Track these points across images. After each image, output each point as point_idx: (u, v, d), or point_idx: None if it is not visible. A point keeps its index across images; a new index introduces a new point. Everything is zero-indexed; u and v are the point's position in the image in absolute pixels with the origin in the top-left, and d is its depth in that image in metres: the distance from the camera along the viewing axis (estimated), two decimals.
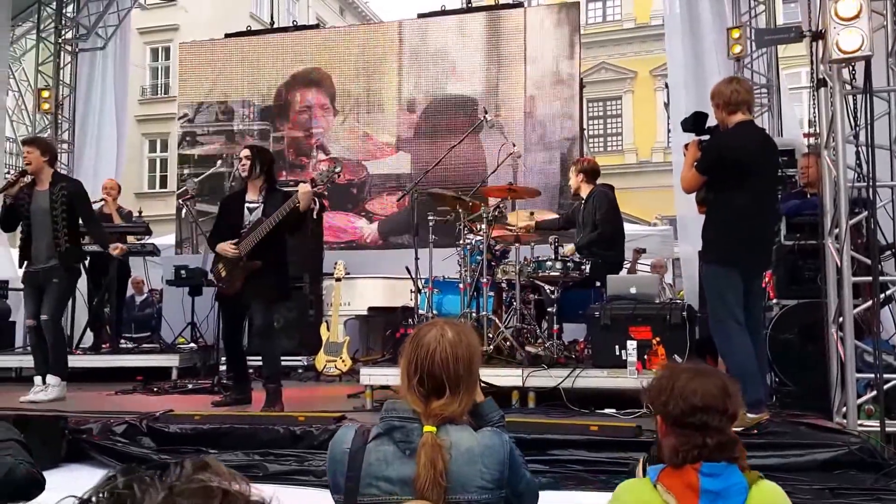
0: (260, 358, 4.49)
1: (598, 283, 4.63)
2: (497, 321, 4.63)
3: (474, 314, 4.64)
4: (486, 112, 6.03)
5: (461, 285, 4.92)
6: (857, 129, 3.68)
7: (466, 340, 1.68)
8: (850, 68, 3.73)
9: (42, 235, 4.59)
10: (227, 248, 4.31)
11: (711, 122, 3.74)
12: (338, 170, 4.53)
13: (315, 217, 6.51)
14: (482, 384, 1.89)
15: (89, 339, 6.58)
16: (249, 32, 9.29)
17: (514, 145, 6.07)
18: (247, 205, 4.42)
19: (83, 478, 3.43)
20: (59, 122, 8.17)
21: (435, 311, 4.98)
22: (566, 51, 7.95)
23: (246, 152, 4.48)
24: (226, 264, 4.36)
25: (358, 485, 1.57)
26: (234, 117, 8.93)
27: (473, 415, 1.78)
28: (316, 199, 5.58)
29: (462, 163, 7.68)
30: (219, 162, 8.91)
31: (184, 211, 8.56)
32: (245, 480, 0.61)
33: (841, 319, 3.56)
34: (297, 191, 4.24)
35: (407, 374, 1.66)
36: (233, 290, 4.34)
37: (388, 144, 8.44)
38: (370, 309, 6.54)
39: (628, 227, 6.25)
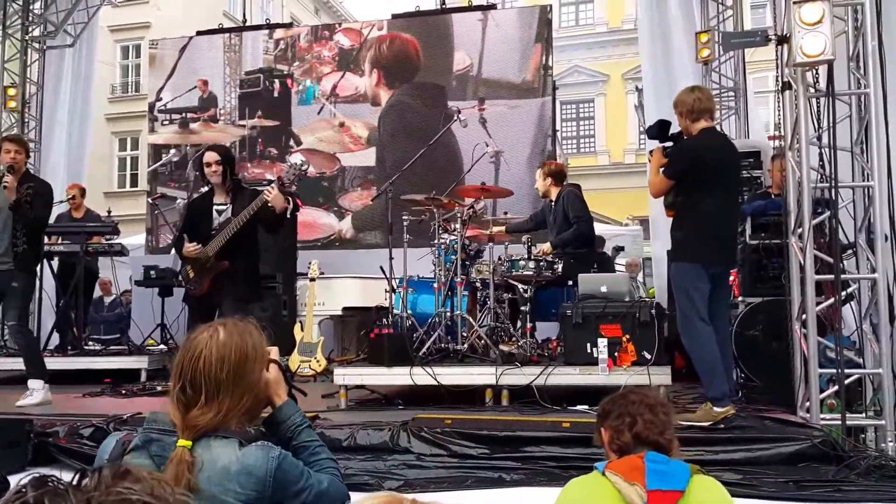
0: None
1: (570, 282, 4.69)
2: (471, 320, 4.66)
3: (449, 313, 4.67)
4: (458, 111, 6.06)
5: (436, 285, 4.93)
6: (821, 131, 3.78)
7: (238, 342, 1.51)
8: (814, 72, 3.83)
9: (2, 235, 4.36)
10: (189, 249, 4.24)
11: (675, 129, 3.86)
12: (304, 166, 4.44)
13: (289, 216, 6.48)
14: (296, 389, 1.72)
15: (55, 341, 6.45)
16: (221, 30, 9.16)
17: (486, 144, 6.12)
18: (215, 207, 4.35)
19: None
20: (27, 120, 8.01)
21: (409, 311, 4.98)
22: (539, 53, 8.01)
23: (214, 156, 4.24)
24: (193, 265, 4.30)
25: None
26: (215, 104, 8.79)
27: (270, 423, 1.69)
28: (290, 199, 5.53)
29: (437, 161, 7.67)
30: (172, 151, 8.80)
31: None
32: (168, 483, 0.58)
33: (804, 316, 3.65)
34: (264, 191, 4.15)
35: (173, 380, 1.51)
36: (201, 291, 4.28)
37: (362, 138, 8.40)
38: (345, 309, 6.51)
39: (600, 228, 6.34)
